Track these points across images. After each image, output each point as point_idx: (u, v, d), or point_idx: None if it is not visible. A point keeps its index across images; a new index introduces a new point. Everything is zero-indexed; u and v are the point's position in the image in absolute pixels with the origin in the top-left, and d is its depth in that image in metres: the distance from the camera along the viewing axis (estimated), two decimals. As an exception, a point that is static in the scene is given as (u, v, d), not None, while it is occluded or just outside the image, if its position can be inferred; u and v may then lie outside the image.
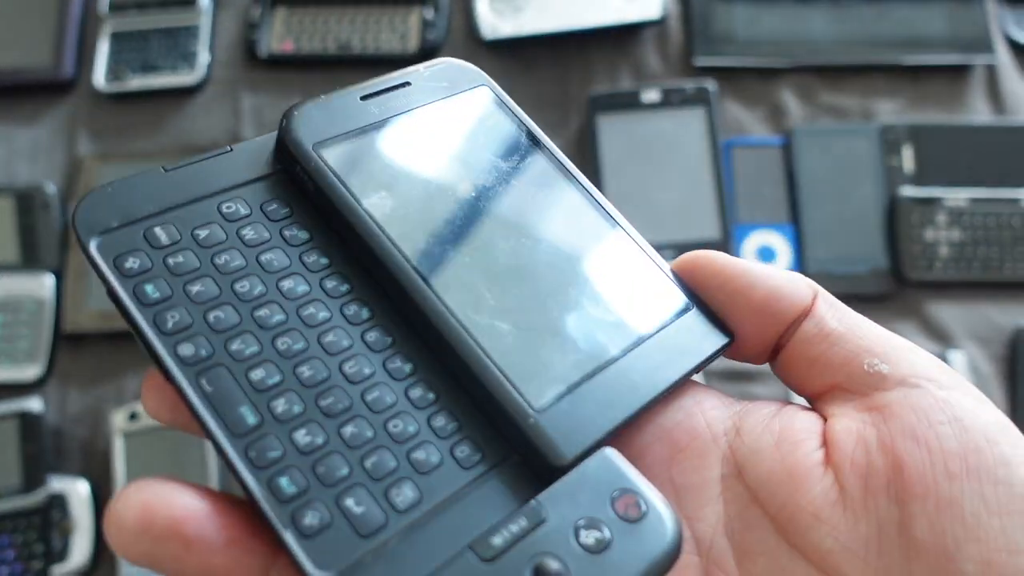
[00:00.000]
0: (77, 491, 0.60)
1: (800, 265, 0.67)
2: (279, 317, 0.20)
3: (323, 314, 0.21)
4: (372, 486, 0.19)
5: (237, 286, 0.20)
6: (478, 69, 0.26)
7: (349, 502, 0.19)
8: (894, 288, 0.66)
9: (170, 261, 0.20)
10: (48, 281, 0.67)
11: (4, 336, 0.65)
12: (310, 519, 0.18)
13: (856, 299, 0.66)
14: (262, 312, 0.20)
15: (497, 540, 0.18)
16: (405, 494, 0.19)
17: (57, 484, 0.60)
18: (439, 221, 0.23)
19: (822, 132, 0.70)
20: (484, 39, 0.72)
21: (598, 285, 0.23)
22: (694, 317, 0.23)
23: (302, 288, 0.21)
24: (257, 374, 0.19)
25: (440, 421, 0.20)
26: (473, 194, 0.24)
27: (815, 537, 0.20)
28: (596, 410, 0.21)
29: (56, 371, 0.65)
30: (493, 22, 0.72)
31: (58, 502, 0.60)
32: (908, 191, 0.68)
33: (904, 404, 0.20)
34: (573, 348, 0.22)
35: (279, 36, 0.74)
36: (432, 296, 0.21)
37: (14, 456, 0.61)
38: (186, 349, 0.19)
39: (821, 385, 0.22)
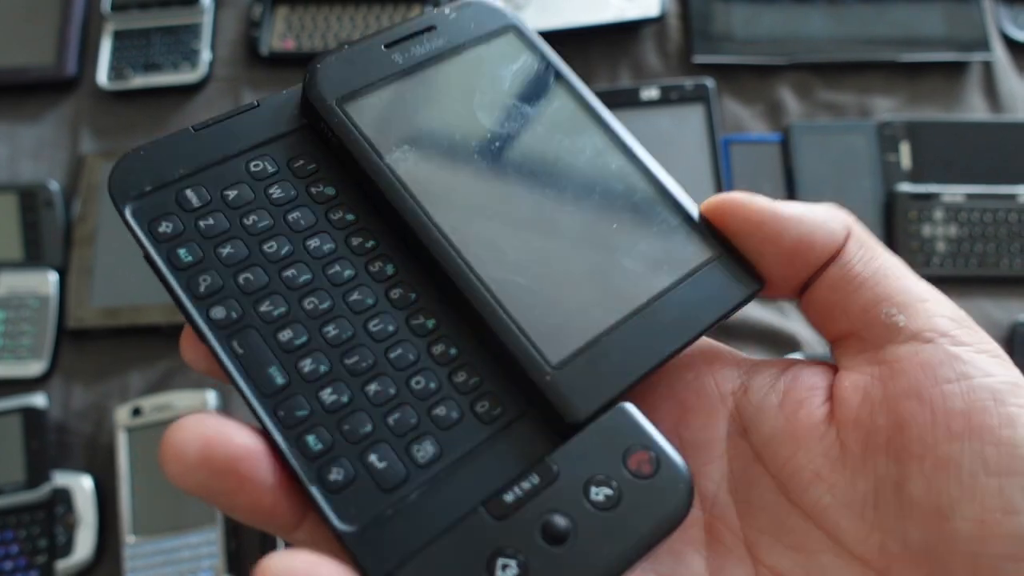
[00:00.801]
0: (81, 486, 0.61)
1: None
2: (305, 276, 0.21)
3: (348, 272, 0.21)
4: (394, 442, 0.19)
5: (265, 247, 0.21)
6: (503, 8, 0.25)
7: (372, 458, 0.19)
8: (892, 283, 0.67)
9: (201, 224, 0.21)
10: (51, 278, 0.67)
11: (8, 333, 0.66)
12: (335, 475, 0.19)
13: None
14: (289, 272, 0.21)
15: (509, 497, 0.19)
16: (426, 449, 0.20)
17: (61, 479, 0.61)
18: (462, 175, 0.22)
19: (820, 129, 0.71)
20: (484, 37, 0.72)
21: (623, 234, 0.23)
22: (723, 263, 0.23)
23: (328, 246, 0.21)
24: (285, 335, 0.20)
25: (461, 377, 0.21)
26: (497, 145, 0.23)
27: (814, 494, 0.20)
28: (615, 364, 0.20)
29: (60, 367, 0.66)
30: (493, 20, 0.72)
31: (62, 497, 0.60)
32: (905, 187, 0.68)
33: (914, 360, 0.20)
34: (594, 300, 0.21)
35: (280, 34, 0.74)
36: (452, 252, 0.21)
37: (18, 452, 0.61)
38: (218, 312, 0.20)
39: (839, 331, 0.22)
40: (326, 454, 0.19)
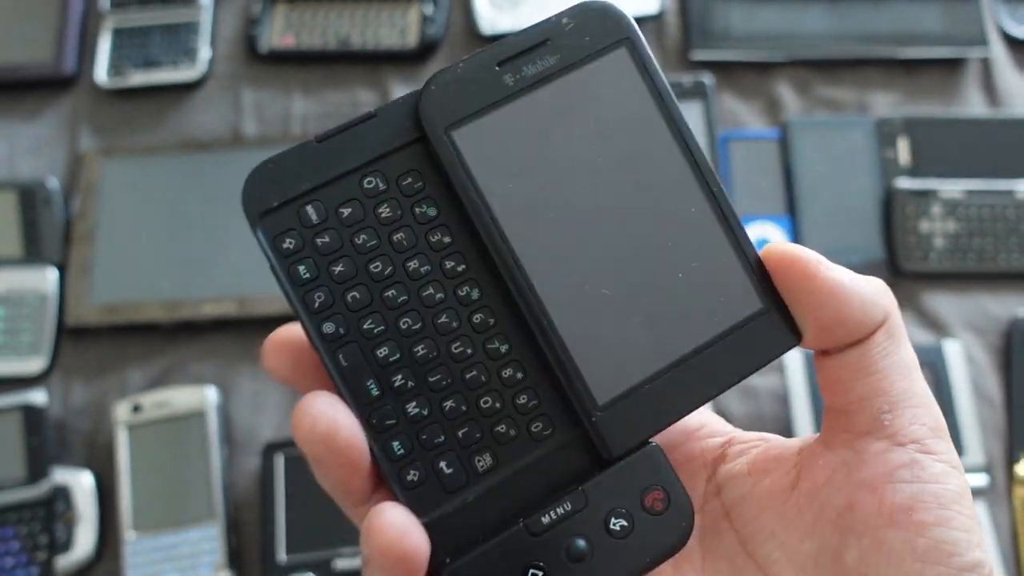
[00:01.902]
0: (81, 483, 0.61)
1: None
2: (403, 298, 0.23)
3: (439, 295, 0.23)
4: (460, 452, 0.23)
5: (371, 266, 0.23)
6: (622, 16, 0.25)
7: (441, 464, 0.23)
8: (890, 279, 0.67)
9: (318, 241, 0.23)
10: (51, 275, 0.67)
11: (7, 330, 0.66)
12: (411, 476, 0.22)
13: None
14: (389, 292, 0.23)
15: (545, 519, 0.22)
16: (485, 460, 0.23)
17: (61, 476, 0.61)
18: (553, 211, 0.23)
19: (818, 125, 0.71)
20: (483, 34, 0.72)
21: (686, 276, 0.24)
22: (770, 316, 0.24)
23: (424, 268, 0.23)
24: (382, 351, 0.23)
25: (523, 399, 0.23)
26: (589, 179, 0.24)
27: (768, 548, 0.24)
28: (654, 408, 0.23)
29: (59, 364, 0.66)
30: (492, 17, 0.73)
31: (62, 494, 0.61)
32: (903, 183, 0.68)
33: (882, 457, 0.23)
34: (647, 343, 0.23)
35: (279, 31, 0.74)
36: (527, 289, 0.23)
37: (18, 448, 0.61)
38: (328, 327, 0.23)
39: (836, 404, 0.24)
40: (405, 458, 0.22)
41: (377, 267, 0.23)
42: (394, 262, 0.23)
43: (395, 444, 0.22)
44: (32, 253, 0.68)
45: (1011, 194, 0.68)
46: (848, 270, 0.23)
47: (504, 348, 0.23)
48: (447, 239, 0.23)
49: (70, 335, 0.67)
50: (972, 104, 0.73)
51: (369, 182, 0.23)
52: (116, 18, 0.75)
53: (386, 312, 0.23)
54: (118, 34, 0.74)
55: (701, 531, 0.25)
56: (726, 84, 0.73)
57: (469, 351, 0.23)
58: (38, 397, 0.63)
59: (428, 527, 0.22)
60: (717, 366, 0.23)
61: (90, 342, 0.66)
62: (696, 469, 0.26)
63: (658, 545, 0.22)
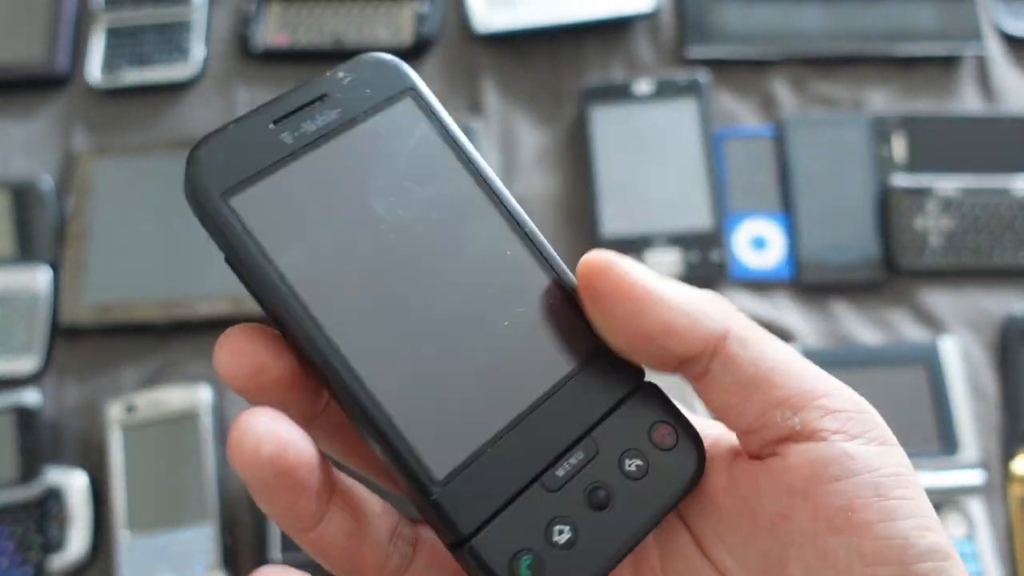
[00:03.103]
0: (74, 482, 0.61)
1: (794, 253, 0.67)
2: None
3: None
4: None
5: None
6: (401, 65, 0.23)
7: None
8: (886, 276, 0.67)
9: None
10: (44, 274, 0.67)
11: (0, 329, 0.66)
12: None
13: (849, 287, 0.66)
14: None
15: (560, 472, 0.21)
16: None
17: (54, 476, 0.61)
18: (353, 273, 0.21)
19: (814, 122, 0.71)
20: (477, 32, 0.72)
21: (511, 331, 0.22)
22: (603, 359, 0.22)
23: None
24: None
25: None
26: (391, 235, 0.22)
27: (720, 554, 0.22)
28: (501, 473, 0.21)
29: (53, 364, 0.66)
30: (486, 15, 0.72)
31: (55, 494, 0.60)
32: (899, 180, 0.68)
33: (805, 458, 0.21)
34: (485, 403, 0.21)
35: (273, 30, 0.74)
36: (344, 366, 0.20)
37: (11, 448, 0.61)
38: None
39: (739, 429, 0.22)
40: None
41: None
42: None
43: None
44: (25, 252, 0.68)
45: (1006, 191, 0.68)
46: (676, 283, 0.22)
47: None
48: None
49: (63, 334, 0.66)
50: (968, 101, 0.73)
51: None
52: (109, 17, 0.75)
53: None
54: (111, 33, 0.74)
55: (657, 532, 0.23)
56: (721, 82, 0.73)
57: None
58: (31, 397, 0.62)
59: (439, 498, 0.20)
60: (563, 418, 0.22)
61: (84, 341, 0.66)
62: None
63: (677, 480, 0.22)
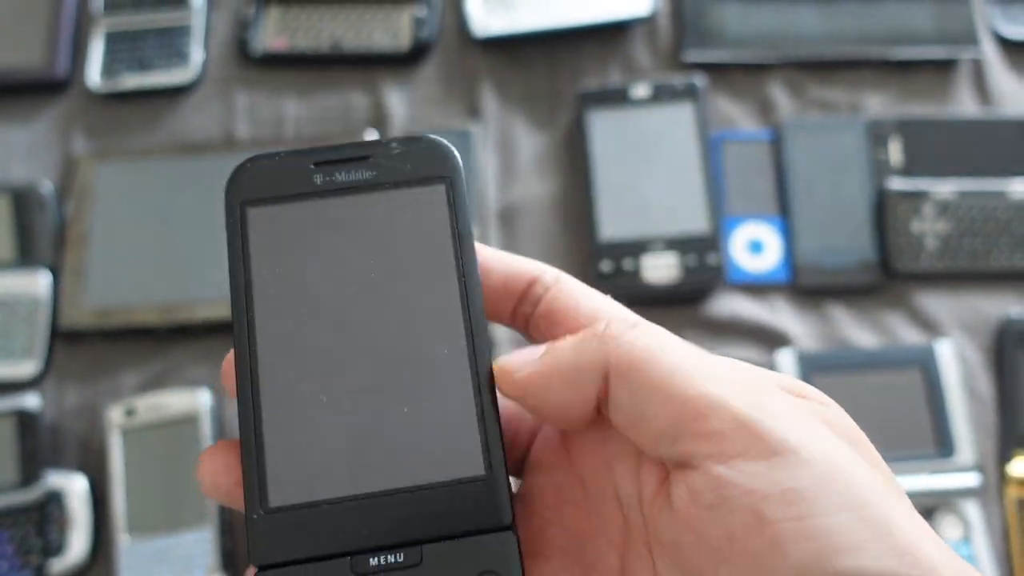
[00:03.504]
0: (74, 486, 0.61)
1: (790, 256, 0.68)
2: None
3: None
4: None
5: None
6: (452, 154, 0.25)
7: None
8: (883, 279, 0.67)
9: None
10: (44, 278, 0.67)
11: (0, 333, 0.66)
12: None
13: (845, 290, 0.67)
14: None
15: (373, 562, 0.21)
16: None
17: (54, 480, 0.61)
18: (306, 305, 0.23)
19: (811, 126, 0.71)
20: (475, 36, 0.73)
21: (412, 415, 0.22)
22: (486, 484, 0.22)
23: None
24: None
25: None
26: (354, 292, 0.23)
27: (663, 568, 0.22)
28: (325, 532, 0.21)
29: (53, 368, 0.66)
30: (484, 20, 0.73)
31: (55, 497, 0.60)
32: (895, 184, 0.69)
33: (684, 487, 0.20)
34: (351, 466, 0.22)
35: (272, 34, 0.75)
36: (252, 366, 0.23)
37: (11, 452, 0.61)
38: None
39: (649, 456, 0.22)
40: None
41: None
42: None
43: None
44: (25, 257, 0.68)
45: (1003, 194, 0.68)
46: (557, 346, 0.22)
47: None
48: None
49: (63, 338, 0.66)
50: (964, 105, 0.73)
51: None
52: (109, 21, 0.75)
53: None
54: (111, 37, 0.74)
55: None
56: (718, 85, 0.73)
57: None
58: (31, 401, 0.63)
59: (256, 521, 0.21)
60: (412, 516, 0.21)
61: (83, 345, 0.66)
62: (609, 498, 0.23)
63: None
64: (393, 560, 0.21)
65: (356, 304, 0.23)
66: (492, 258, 0.25)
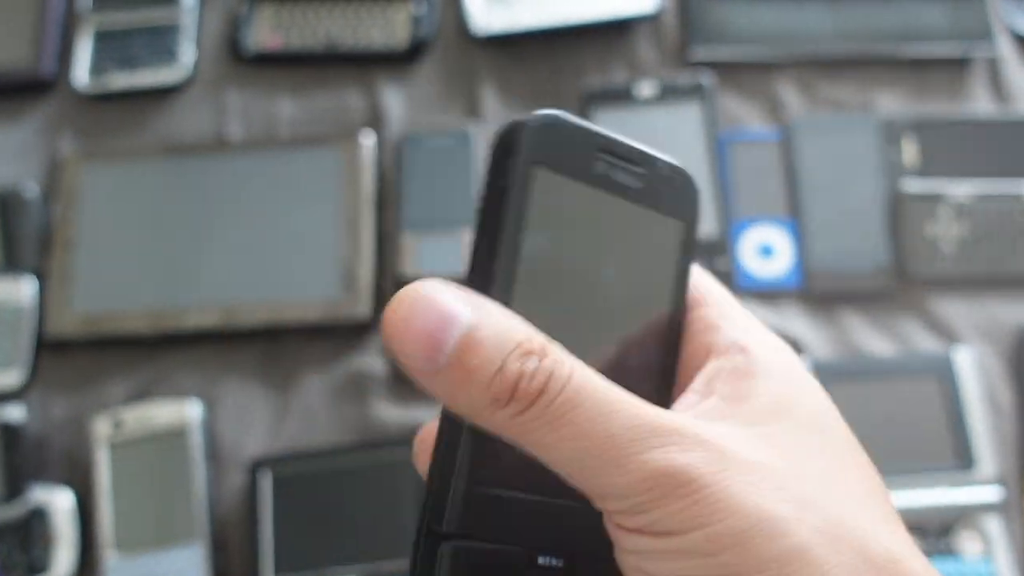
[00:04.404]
0: (60, 501, 0.59)
1: (802, 260, 0.65)
2: None
3: None
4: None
5: None
6: (699, 197, 0.26)
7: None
8: (897, 284, 0.65)
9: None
10: (29, 285, 0.65)
11: (-16, 342, 0.64)
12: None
13: (859, 296, 0.64)
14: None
15: (541, 561, 0.23)
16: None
17: (39, 494, 0.59)
18: (557, 286, 0.24)
19: (822, 125, 0.69)
20: (475, 34, 0.70)
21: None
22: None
23: None
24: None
25: None
26: (592, 291, 0.24)
27: None
28: (517, 526, 0.23)
29: (38, 378, 0.64)
30: (485, 17, 0.71)
31: (40, 512, 0.58)
32: (910, 185, 0.66)
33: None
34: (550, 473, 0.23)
35: (266, 32, 0.72)
36: None
37: (-6, 465, 0.59)
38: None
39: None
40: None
41: None
42: None
43: None
44: (9, 262, 0.66)
45: (1020, 197, 0.66)
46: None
47: None
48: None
49: (49, 347, 0.64)
50: (979, 103, 0.71)
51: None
52: (97, 19, 0.73)
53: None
54: (99, 36, 0.72)
55: None
56: (726, 84, 0.71)
57: None
58: (15, 412, 0.60)
59: (473, 498, 0.22)
60: (580, 528, 0.23)
61: (70, 354, 0.64)
62: None
63: None
64: (554, 563, 0.22)
65: (592, 304, 0.24)
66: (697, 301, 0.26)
